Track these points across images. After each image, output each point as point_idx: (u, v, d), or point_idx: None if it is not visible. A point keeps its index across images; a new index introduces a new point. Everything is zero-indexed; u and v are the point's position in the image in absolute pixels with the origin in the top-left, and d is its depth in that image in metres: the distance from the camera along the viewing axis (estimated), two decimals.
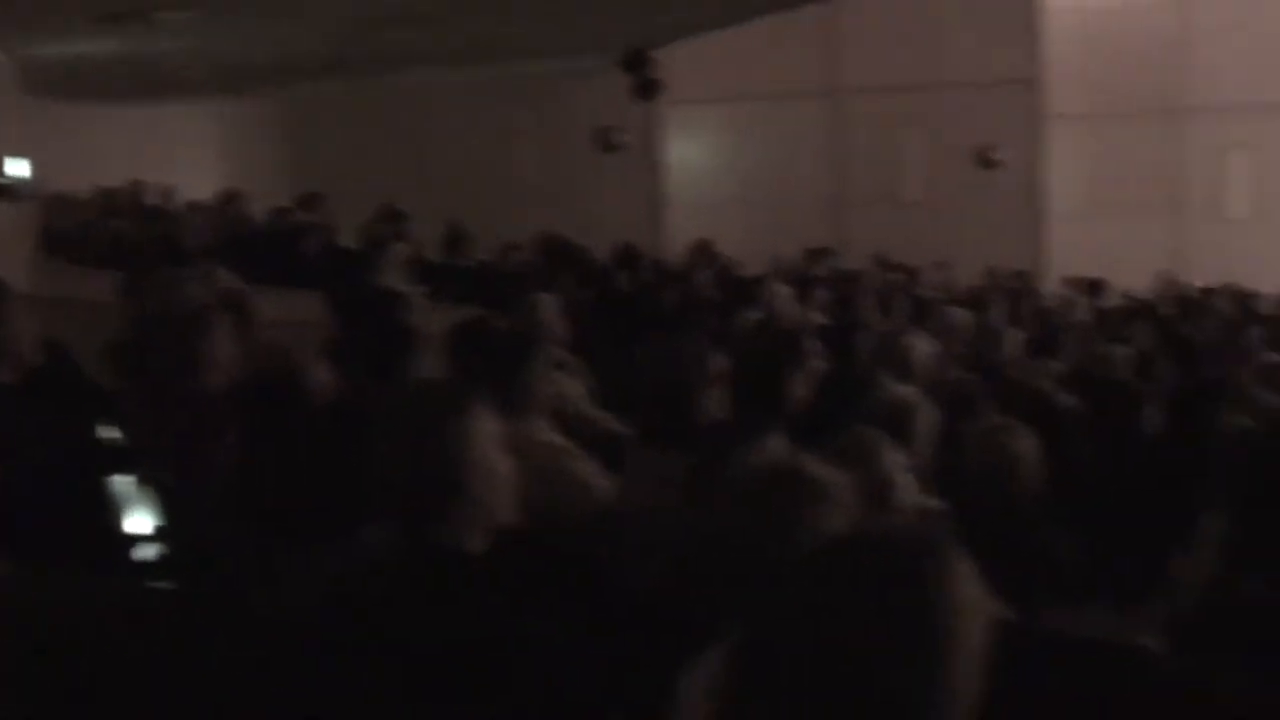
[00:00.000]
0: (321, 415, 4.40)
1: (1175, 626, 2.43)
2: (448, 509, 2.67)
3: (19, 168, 12.93)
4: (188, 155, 17.80)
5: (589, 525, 3.69)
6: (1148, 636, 2.39)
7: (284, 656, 2.69)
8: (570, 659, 2.48)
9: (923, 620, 1.65)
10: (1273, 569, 3.38)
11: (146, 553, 4.36)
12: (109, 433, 4.75)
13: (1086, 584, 2.47)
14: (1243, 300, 14.43)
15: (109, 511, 4.42)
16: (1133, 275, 15.56)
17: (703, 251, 13.02)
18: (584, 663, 2.49)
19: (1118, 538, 2.46)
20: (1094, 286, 14.39)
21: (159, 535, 4.38)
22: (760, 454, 2.97)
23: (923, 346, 6.98)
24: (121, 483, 4.51)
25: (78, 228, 13.12)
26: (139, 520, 4.43)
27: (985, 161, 17.63)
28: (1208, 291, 14.57)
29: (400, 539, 2.70)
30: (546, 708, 2.41)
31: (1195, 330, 11.25)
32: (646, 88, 16.28)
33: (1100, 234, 18.11)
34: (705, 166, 18.98)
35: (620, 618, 2.72)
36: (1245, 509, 4.10)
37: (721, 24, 16.41)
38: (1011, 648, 2.55)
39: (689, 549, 2.62)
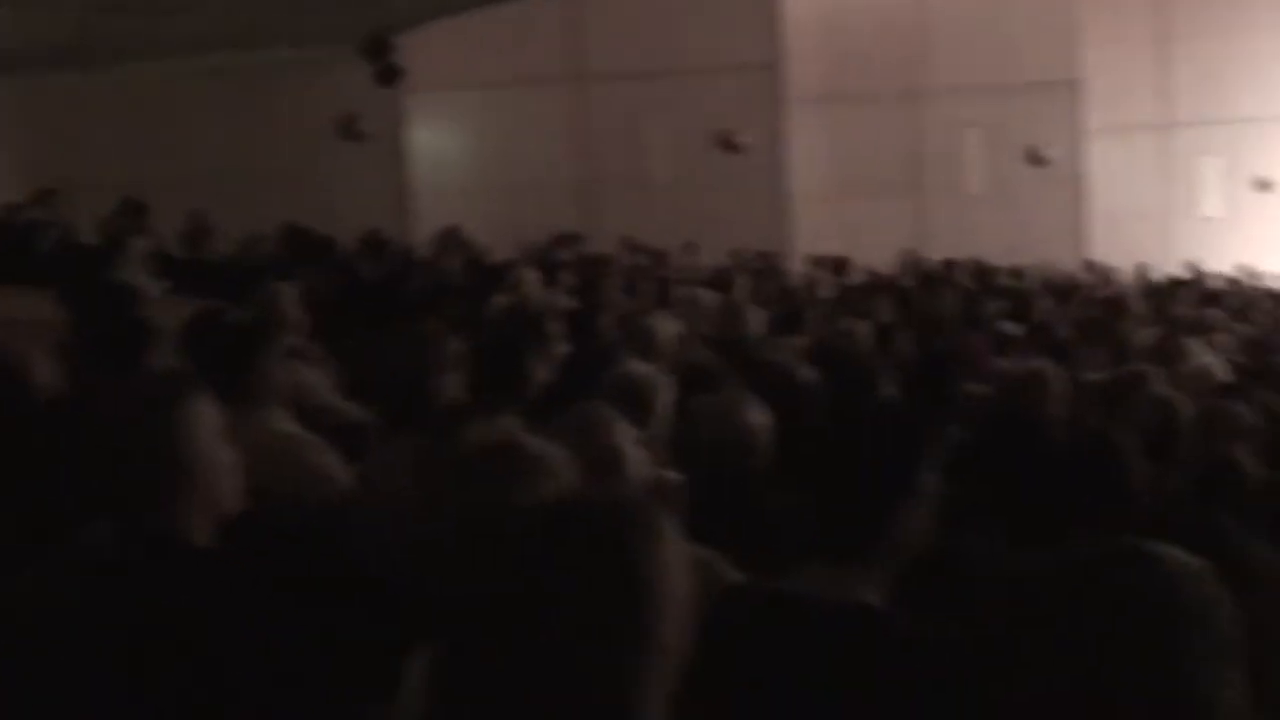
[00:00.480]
0: (44, 412, 4.24)
1: (894, 583, 2.51)
2: (167, 500, 2.61)
3: None
4: None
5: (323, 512, 3.65)
6: (870, 593, 2.46)
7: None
8: (296, 645, 2.45)
9: (625, 583, 1.68)
10: (989, 527, 3.53)
11: None
12: None
13: (814, 545, 2.53)
14: (981, 274, 15.05)
15: None
16: (876, 253, 16.11)
17: (450, 238, 12.96)
18: (310, 649, 2.46)
19: (839, 500, 2.54)
20: (838, 265, 14.82)
21: None
22: (484, 433, 2.97)
23: (667, 326, 7.11)
24: None
25: None
26: None
27: (728, 145, 17.95)
28: (948, 265, 15.15)
29: (120, 532, 2.63)
30: (271, 694, 2.37)
31: (935, 304, 11.67)
32: (388, 74, 16.14)
33: (844, 214, 18.67)
34: (452, 153, 18.87)
35: (350, 603, 2.70)
36: (963, 468, 4.28)
37: (462, 8, 16.35)
38: (739, 607, 2.61)
39: (416, 531, 2.61)
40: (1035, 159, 20.14)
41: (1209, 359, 8.55)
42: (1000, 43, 20.10)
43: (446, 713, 1.73)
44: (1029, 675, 1.29)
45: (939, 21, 20.04)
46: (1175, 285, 16.23)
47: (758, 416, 4.04)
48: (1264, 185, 22.96)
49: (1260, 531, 3.32)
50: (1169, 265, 19.43)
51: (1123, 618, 1.28)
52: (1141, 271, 17.71)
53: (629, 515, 1.74)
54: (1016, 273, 15.65)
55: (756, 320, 8.30)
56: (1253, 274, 18.74)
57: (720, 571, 2.95)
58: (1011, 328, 9.94)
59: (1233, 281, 17.84)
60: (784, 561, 2.64)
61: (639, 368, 4.70)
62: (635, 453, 3.33)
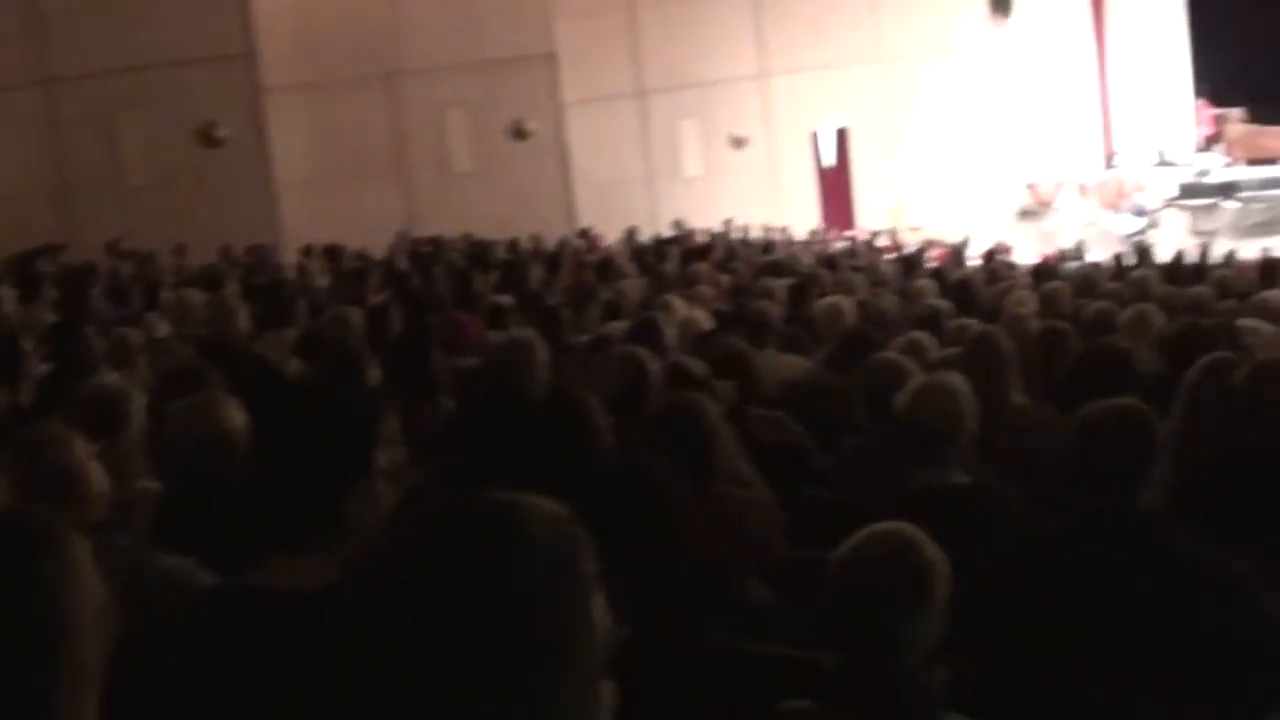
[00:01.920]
0: None
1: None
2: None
3: None
4: None
5: None
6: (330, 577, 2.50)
7: None
8: None
9: (19, 599, 1.66)
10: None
11: None
12: None
13: (278, 537, 2.55)
14: (473, 249, 15.31)
15: None
16: (369, 236, 16.11)
17: None
18: None
19: (295, 489, 2.57)
20: (330, 252, 14.72)
21: None
22: None
23: (151, 331, 6.92)
24: None
25: None
26: None
27: (208, 139, 17.55)
28: (437, 244, 15.33)
29: None
30: None
31: (426, 283, 11.79)
32: None
33: (333, 200, 18.57)
34: None
35: None
36: (452, 440, 4.40)
37: None
38: (208, 610, 2.62)
39: None
40: (519, 133, 20.66)
41: (694, 311, 9.01)
42: (474, 21, 20.46)
43: None
44: (406, 629, 1.37)
45: (411, 3, 20.19)
46: (662, 244, 17.01)
47: (236, 416, 4.00)
48: (739, 143, 24.43)
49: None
50: (658, 225, 20.35)
51: (476, 563, 1.38)
52: (630, 234, 18.48)
53: (23, 531, 1.72)
54: (510, 245, 16.00)
55: (244, 317, 8.18)
56: (735, 227, 19.92)
57: (191, 576, 2.93)
58: (505, 299, 10.16)
59: (717, 235, 18.87)
60: (252, 557, 2.65)
61: (108, 378, 4.57)
62: (95, 468, 3.24)
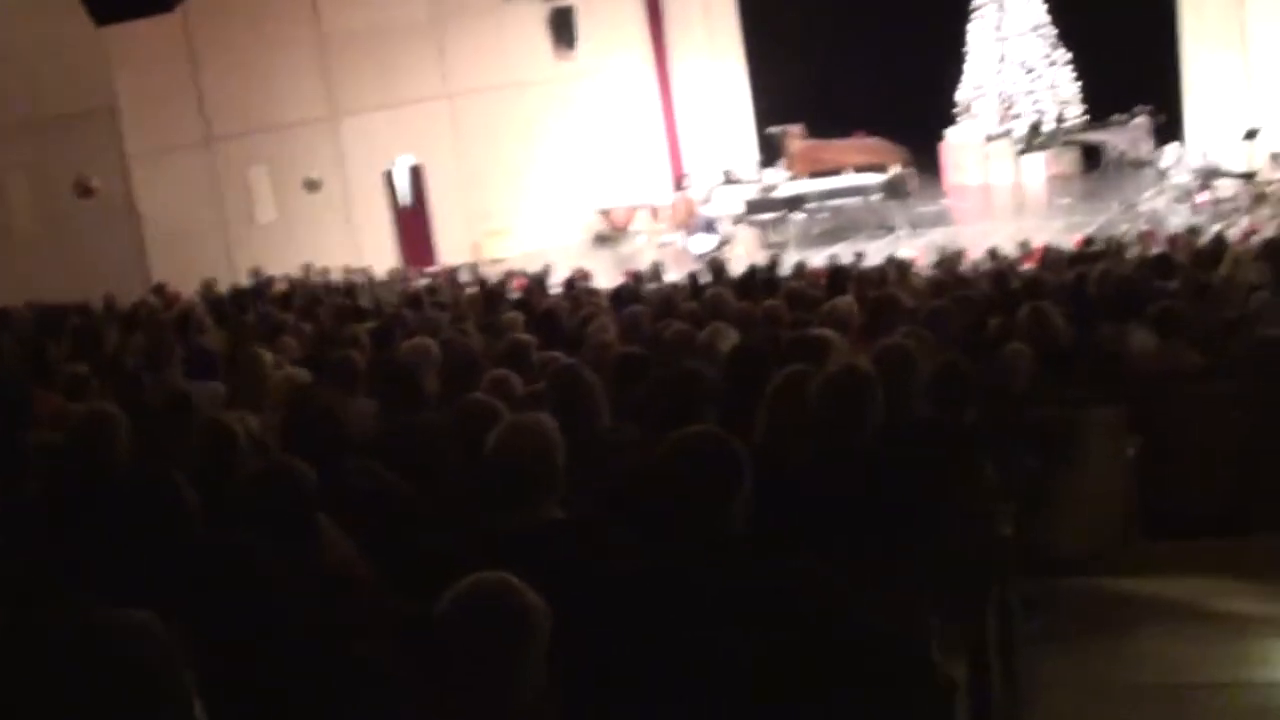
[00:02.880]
0: None
1: None
2: None
3: None
4: None
5: None
6: None
7: None
8: None
9: None
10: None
11: None
12: None
13: None
14: (43, 317, 14.53)
15: None
16: None
17: None
18: None
19: None
20: None
21: None
22: None
23: None
24: None
25: None
26: None
27: None
28: (3, 314, 14.51)
29: None
30: None
31: None
32: None
33: None
34: None
35: None
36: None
37: None
38: None
39: None
40: (84, 191, 19.79)
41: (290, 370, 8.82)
42: (29, 78, 19.51)
43: None
44: None
45: None
46: (241, 294, 16.59)
47: None
48: (312, 186, 24.14)
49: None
50: (236, 275, 19.86)
51: (61, 696, 1.35)
52: (207, 286, 17.96)
53: None
54: (83, 309, 15.27)
55: None
56: (315, 271, 19.64)
57: None
58: (80, 368, 9.72)
59: (296, 281, 18.56)
60: None
61: None
62: None
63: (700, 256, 23.16)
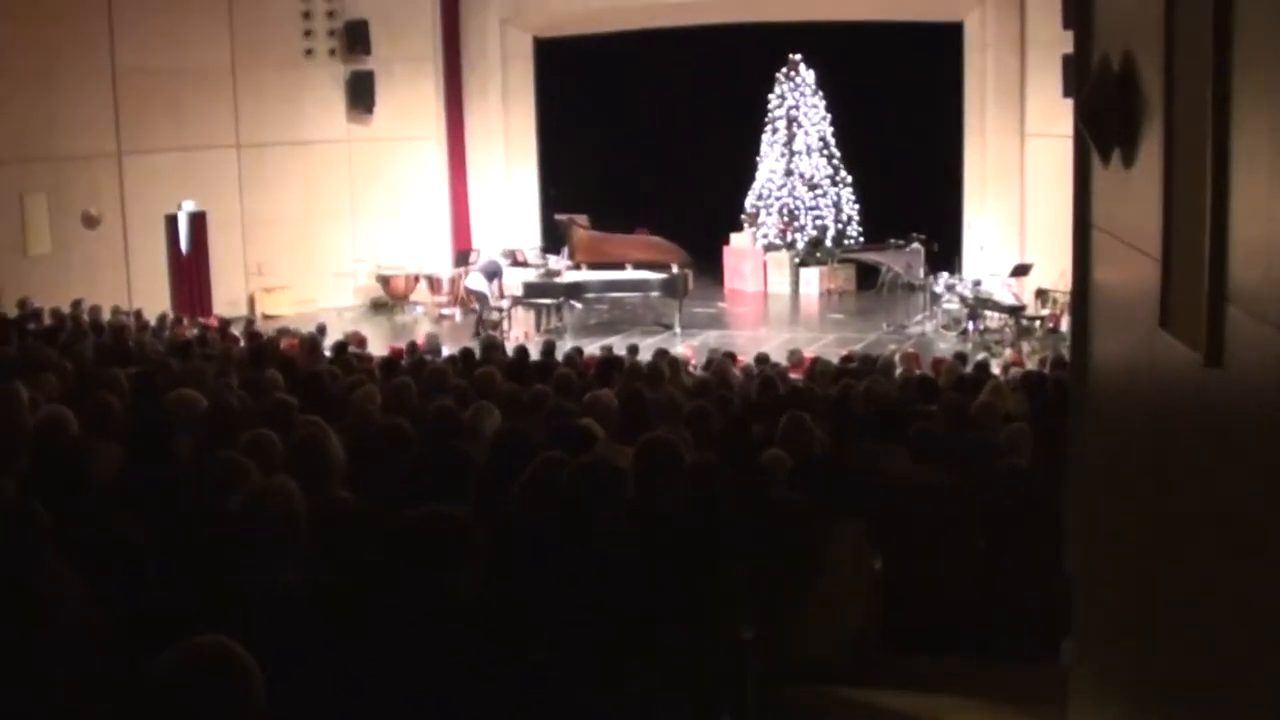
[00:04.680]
0: None
1: None
2: None
3: None
4: None
5: None
6: None
7: None
8: None
9: None
10: None
11: None
12: None
13: None
14: None
15: None
16: None
17: None
18: None
19: None
20: None
21: None
22: None
23: None
24: None
25: None
26: None
27: None
28: None
29: None
30: None
31: None
32: None
33: None
34: None
35: None
36: None
37: None
38: None
39: None
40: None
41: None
42: None
43: None
44: None
45: None
46: (5, 324, 15.97)
47: None
48: (91, 221, 23.45)
49: None
50: (5, 305, 19.19)
51: None
52: None
53: None
54: None
55: None
56: (85, 308, 19.04)
57: None
58: None
59: (65, 316, 17.99)
60: None
61: None
62: None
63: (471, 292, 23.70)
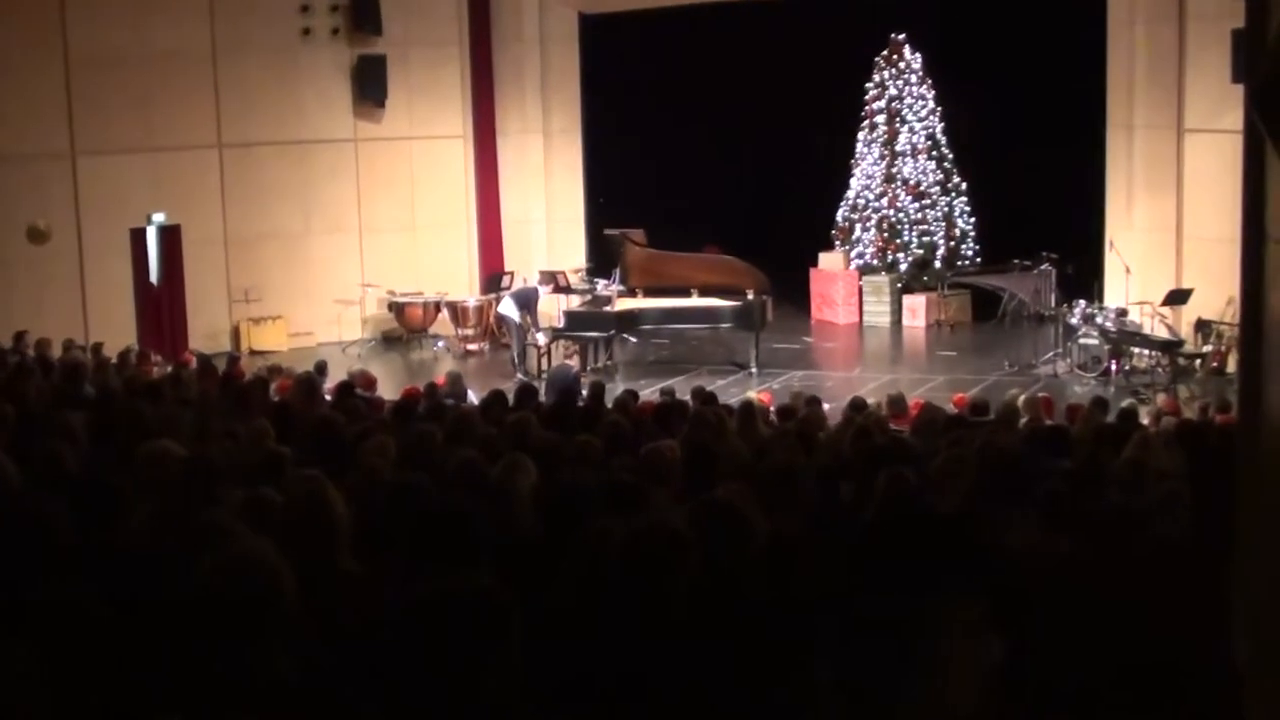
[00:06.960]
0: None
1: None
2: None
3: None
4: None
5: None
6: None
7: None
8: None
9: None
10: None
11: None
12: None
13: None
14: None
15: None
16: None
17: None
18: None
19: None
20: None
21: None
22: None
23: None
24: None
25: None
26: None
27: None
28: None
29: None
30: None
31: None
32: None
33: None
34: None
35: None
36: None
37: None
38: None
39: None
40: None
41: None
42: None
43: None
44: None
45: None
46: None
47: None
48: (38, 236, 23.53)
49: None
50: None
51: None
52: None
53: None
54: None
55: None
56: (33, 343, 19.21)
57: None
58: None
59: (7, 351, 18.18)
60: None
61: None
62: None
63: (504, 322, 24.00)
